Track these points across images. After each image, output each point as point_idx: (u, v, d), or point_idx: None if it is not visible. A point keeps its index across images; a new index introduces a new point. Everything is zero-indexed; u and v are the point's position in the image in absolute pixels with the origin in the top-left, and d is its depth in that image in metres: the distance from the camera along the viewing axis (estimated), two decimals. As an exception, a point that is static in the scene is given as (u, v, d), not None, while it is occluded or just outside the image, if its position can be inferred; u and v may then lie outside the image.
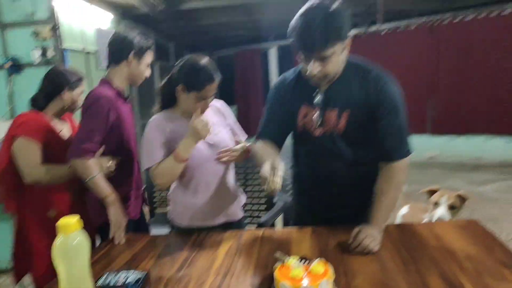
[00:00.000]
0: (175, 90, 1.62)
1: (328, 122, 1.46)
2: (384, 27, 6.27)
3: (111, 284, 1.15)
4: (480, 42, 5.72)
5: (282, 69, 8.16)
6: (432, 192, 2.00)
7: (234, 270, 1.28)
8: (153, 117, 1.68)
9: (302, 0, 1.36)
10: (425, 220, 2.07)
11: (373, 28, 6.38)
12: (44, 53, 3.15)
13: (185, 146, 1.53)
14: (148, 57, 1.80)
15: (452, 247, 1.33)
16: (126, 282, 1.15)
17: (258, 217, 2.30)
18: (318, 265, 1.09)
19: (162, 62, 6.68)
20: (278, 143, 1.57)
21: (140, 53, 1.76)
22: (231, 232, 1.61)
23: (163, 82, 1.71)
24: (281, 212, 2.20)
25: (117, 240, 1.60)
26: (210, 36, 7.95)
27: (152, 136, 1.61)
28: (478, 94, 5.86)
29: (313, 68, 1.32)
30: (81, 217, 0.99)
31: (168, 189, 1.81)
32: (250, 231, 1.64)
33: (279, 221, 2.26)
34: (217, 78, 1.58)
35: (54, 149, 1.77)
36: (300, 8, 1.32)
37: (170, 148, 1.59)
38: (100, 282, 1.17)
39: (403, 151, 1.44)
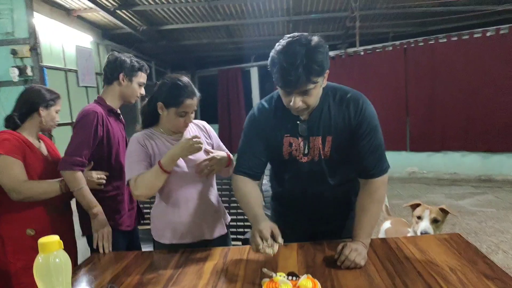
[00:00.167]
0: (156, 109, 1.66)
1: (315, 149, 1.48)
2: (362, 48, 6.46)
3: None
4: (452, 63, 5.95)
5: (263, 88, 8.27)
6: (415, 206, 2.03)
7: (222, 287, 1.25)
8: (135, 134, 1.70)
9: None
10: (409, 233, 2.09)
11: (352, 50, 6.56)
12: (22, 72, 3.11)
13: (170, 157, 1.53)
14: (140, 77, 1.93)
15: (436, 260, 1.34)
16: (110, 303, 1.11)
17: (242, 233, 2.28)
18: (306, 281, 1.09)
19: (144, 81, 6.65)
20: (258, 176, 1.56)
21: (130, 74, 1.90)
22: (217, 249, 1.59)
23: (145, 102, 1.75)
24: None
25: (100, 249, 1.69)
26: (192, 56, 8.02)
27: (133, 150, 1.63)
28: (452, 113, 6.07)
29: (295, 102, 1.32)
30: (60, 236, 0.96)
31: (151, 206, 1.80)
32: (235, 248, 1.62)
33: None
34: (195, 94, 1.61)
35: (34, 166, 1.74)
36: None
37: (150, 163, 1.61)
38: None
39: (383, 168, 1.48)
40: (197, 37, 6.57)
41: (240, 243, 2.19)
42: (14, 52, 3.03)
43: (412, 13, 5.74)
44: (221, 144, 1.83)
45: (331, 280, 1.24)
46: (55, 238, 0.94)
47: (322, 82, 1.36)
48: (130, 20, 5.14)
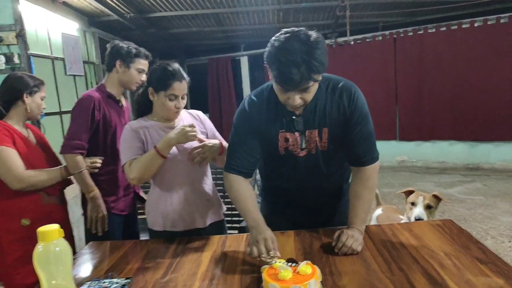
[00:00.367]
0: (149, 99, 1.67)
1: (311, 142, 1.47)
2: (353, 38, 6.46)
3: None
4: (441, 53, 6.00)
5: (253, 77, 8.23)
6: (408, 193, 2.07)
7: (221, 274, 1.26)
8: (129, 122, 1.73)
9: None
10: (404, 220, 2.13)
11: (343, 39, 6.57)
12: (9, 60, 3.03)
13: (166, 141, 1.54)
14: (138, 63, 1.97)
15: (430, 245, 1.37)
16: (110, 291, 1.11)
17: (238, 222, 2.28)
18: (306, 267, 1.10)
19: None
20: (251, 174, 1.53)
21: (127, 60, 1.95)
22: (214, 237, 1.60)
23: (139, 91, 1.77)
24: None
25: (93, 231, 1.86)
26: (182, 44, 7.91)
27: (126, 136, 1.65)
28: (440, 103, 6.14)
29: (295, 100, 1.29)
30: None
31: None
32: (232, 236, 1.63)
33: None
34: (184, 78, 1.62)
35: (25, 156, 1.71)
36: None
37: (143, 149, 1.63)
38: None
39: (375, 155, 1.49)
40: (186, 25, 6.48)
41: (236, 231, 2.20)
42: (0, 39, 2.96)
43: (402, 3, 5.75)
44: (217, 133, 1.83)
45: (329, 266, 1.26)
46: (55, 226, 0.93)
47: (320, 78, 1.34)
48: (117, 7, 5.02)
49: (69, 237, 1.83)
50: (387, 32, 6.40)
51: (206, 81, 8.30)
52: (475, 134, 6.00)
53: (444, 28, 5.99)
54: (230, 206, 1.92)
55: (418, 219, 1.91)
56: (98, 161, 1.90)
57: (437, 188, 5.16)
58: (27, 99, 1.77)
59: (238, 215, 2.28)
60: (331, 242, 1.39)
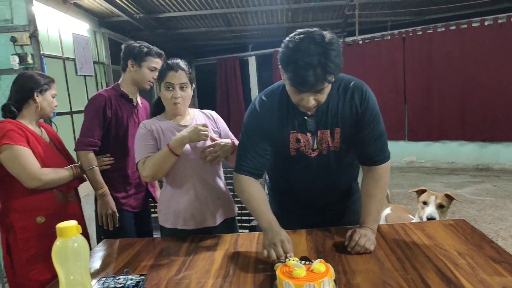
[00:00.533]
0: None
1: (323, 143, 1.46)
2: (361, 37, 6.44)
3: (111, 287, 1.13)
4: (450, 53, 5.97)
5: (260, 77, 8.25)
6: (420, 192, 2.06)
7: (234, 272, 1.27)
8: (144, 121, 1.76)
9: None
10: (414, 219, 2.12)
11: (351, 38, 6.55)
12: (23, 60, 3.07)
13: (179, 139, 1.55)
14: (149, 62, 2.00)
15: (443, 244, 1.36)
16: (126, 285, 1.12)
17: (248, 221, 2.29)
18: (319, 265, 1.10)
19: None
20: (261, 175, 1.52)
21: (139, 59, 1.99)
22: (226, 236, 1.61)
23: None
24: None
25: (105, 227, 1.93)
26: (190, 44, 7.94)
27: (140, 135, 1.67)
28: (450, 103, 6.09)
29: (309, 101, 1.28)
30: None
31: None
32: (245, 235, 1.63)
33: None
34: (180, 68, 1.64)
35: (39, 155, 1.73)
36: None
37: (156, 146, 1.65)
38: (98, 286, 1.14)
39: (386, 154, 1.49)
40: (195, 25, 6.50)
41: (247, 231, 2.21)
42: (14, 40, 2.99)
43: (411, 1, 5.72)
44: (230, 133, 1.84)
45: (342, 265, 1.26)
46: (73, 223, 0.94)
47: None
48: (126, 7, 5.06)
49: (84, 234, 1.85)
50: (396, 31, 6.37)
51: (215, 81, 8.33)
52: (485, 134, 5.95)
53: (453, 27, 5.95)
54: (239, 205, 1.92)
55: (430, 218, 1.90)
56: (106, 160, 1.97)
57: (446, 189, 5.12)
58: (38, 98, 1.79)
59: (247, 215, 2.29)
60: (343, 241, 1.39)
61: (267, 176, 1.81)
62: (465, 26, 5.85)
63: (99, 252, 1.55)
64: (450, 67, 6.00)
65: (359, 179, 1.59)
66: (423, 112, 6.32)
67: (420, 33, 6.17)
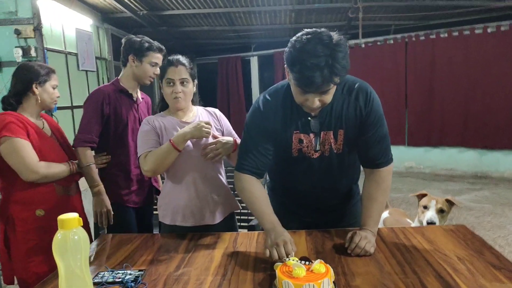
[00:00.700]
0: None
1: (325, 144, 1.45)
2: (364, 40, 6.44)
3: (109, 281, 1.12)
4: (452, 59, 5.95)
5: (262, 77, 8.24)
6: (421, 196, 2.06)
7: (233, 270, 1.27)
8: (147, 116, 1.79)
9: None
10: (412, 224, 2.12)
11: (354, 42, 6.55)
12: (26, 53, 3.07)
13: (181, 135, 1.56)
14: (151, 57, 1.97)
15: (443, 249, 1.36)
16: (125, 280, 1.12)
17: (247, 221, 2.28)
18: (319, 265, 1.10)
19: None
20: (263, 174, 1.52)
21: (140, 54, 1.96)
22: (226, 234, 1.60)
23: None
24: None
25: (100, 224, 1.92)
26: (193, 43, 7.93)
27: (144, 130, 1.69)
28: (450, 109, 6.08)
29: (314, 102, 1.27)
30: None
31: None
32: (244, 233, 1.63)
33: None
34: (180, 63, 1.66)
35: (40, 147, 1.72)
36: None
37: (159, 142, 1.66)
38: (97, 279, 1.14)
39: (389, 157, 1.50)
40: (198, 23, 6.49)
41: (245, 230, 2.20)
42: (17, 32, 2.99)
43: (415, 6, 5.72)
44: (233, 131, 1.84)
45: (342, 266, 1.26)
46: (75, 215, 0.94)
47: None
48: (130, 3, 5.05)
49: (85, 227, 1.84)
50: (398, 36, 6.37)
51: (216, 80, 8.32)
52: (485, 141, 5.94)
53: (456, 33, 5.95)
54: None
55: (430, 222, 1.90)
56: (104, 158, 1.97)
57: (445, 195, 5.09)
58: (37, 90, 1.76)
59: (246, 214, 2.28)
60: (343, 243, 1.39)
61: (267, 176, 1.81)
62: (467, 32, 5.86)
63: (97, 246, 1.54)
64: (452, 73, 6.00)
65: (360, 182, 1.59)
66: (424, 117, 6.32)
67: (423, 38, 6.18)
